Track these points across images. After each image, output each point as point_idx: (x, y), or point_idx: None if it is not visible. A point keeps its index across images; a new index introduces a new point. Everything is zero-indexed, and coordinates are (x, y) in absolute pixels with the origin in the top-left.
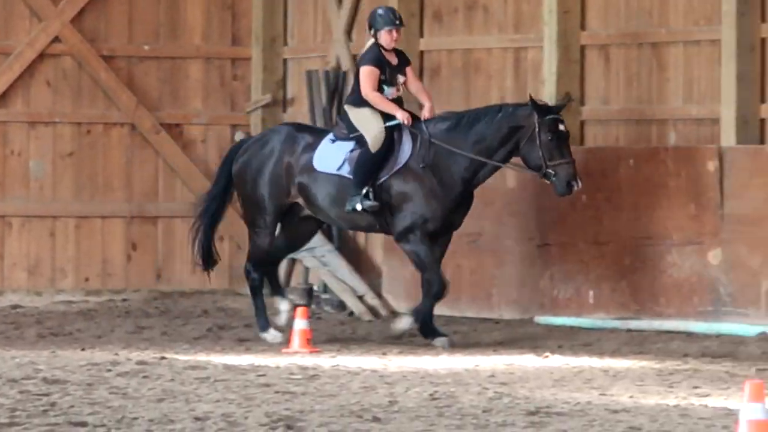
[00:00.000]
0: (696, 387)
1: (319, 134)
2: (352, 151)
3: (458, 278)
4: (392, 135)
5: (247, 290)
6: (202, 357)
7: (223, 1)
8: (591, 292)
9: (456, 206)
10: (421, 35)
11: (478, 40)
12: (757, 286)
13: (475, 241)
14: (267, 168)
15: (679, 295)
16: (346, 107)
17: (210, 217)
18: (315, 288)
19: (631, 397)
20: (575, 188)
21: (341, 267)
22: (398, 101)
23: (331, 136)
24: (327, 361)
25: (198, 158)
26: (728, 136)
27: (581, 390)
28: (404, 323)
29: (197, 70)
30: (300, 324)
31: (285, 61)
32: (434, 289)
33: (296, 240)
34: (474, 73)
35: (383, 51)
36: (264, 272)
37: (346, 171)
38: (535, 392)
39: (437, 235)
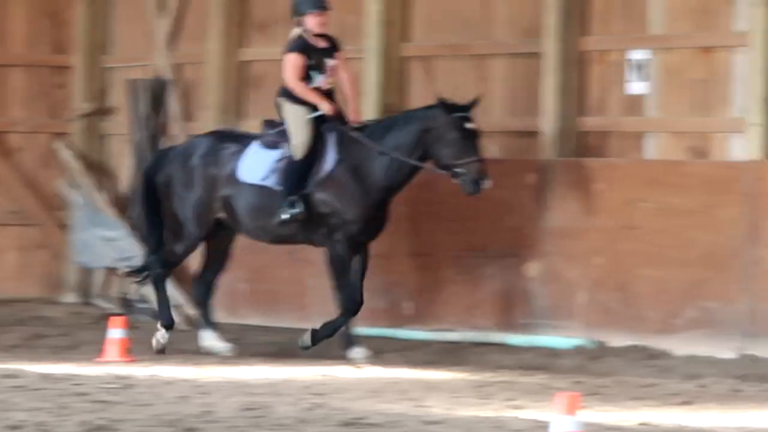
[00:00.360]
0: (511, 399)
1: (244, 141)
2: (279, 160)
3: (275, 289)
4: (319, 140)
5: (64, 298)
6: (17, 365)
7: (47, 9)
8: (409, 304)
9: (375, 213)
10: (245, 45)
11: None
12: (573, 299)
13: (292, 252)
14: (191, 185)
15: (496, 307)
16: (280, 100)
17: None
18: (132, 297)
19: (446, 408)
20: (483, 187)
21: None
22: (331, 91)
23: (257, 143)
24: (142, 370)
25: (18, 166)
26: (548, 149)
27: (396, 401)
28: (305, 340)
29: (19, 77)
30: (116, 333)
31: (107, 69)
32: (343, 305)
33: (224, 258)
34: None
35: (310, 37)
36: (168, 273)
37: (271, 182)
38: (351, 403)
39: (358, 244)
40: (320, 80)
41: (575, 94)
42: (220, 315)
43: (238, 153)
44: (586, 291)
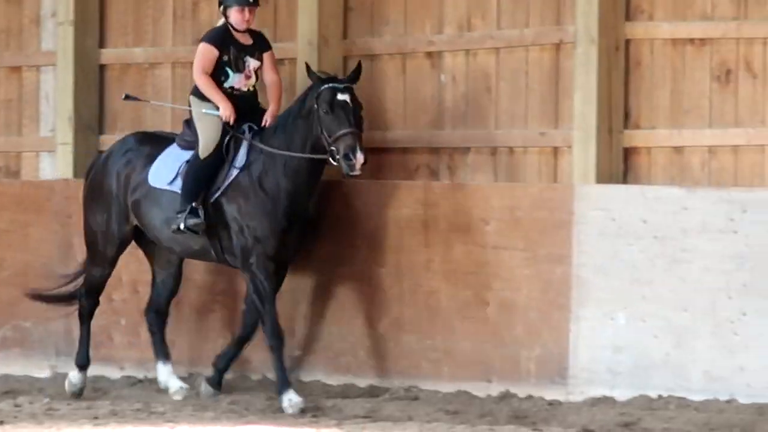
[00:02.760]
0: None
1: (163, 143)
2: (188, 161)
3: None
4: (227, 142)
5: None
6: None
7: None
8: None
9: (288, 226)
10: None
11: None
12: None
13: None
14: (104, 188)
15: None
16: (191, 98)
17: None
18: None
19: None
20: (354, 161)
21: None
22: (252, 94)
23: (174, 145)
24: None
25: None
26: None
27: None
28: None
29: None
30: None
31: None
32: (271, 341)
33: (170, 278)
34: None
35: (233, 31)
36: (94, 305)
37: (177, 186)
38: None
39: (277, 265)
40: (237, 80)
41: None
42: None
43: (156, 153)
44: None
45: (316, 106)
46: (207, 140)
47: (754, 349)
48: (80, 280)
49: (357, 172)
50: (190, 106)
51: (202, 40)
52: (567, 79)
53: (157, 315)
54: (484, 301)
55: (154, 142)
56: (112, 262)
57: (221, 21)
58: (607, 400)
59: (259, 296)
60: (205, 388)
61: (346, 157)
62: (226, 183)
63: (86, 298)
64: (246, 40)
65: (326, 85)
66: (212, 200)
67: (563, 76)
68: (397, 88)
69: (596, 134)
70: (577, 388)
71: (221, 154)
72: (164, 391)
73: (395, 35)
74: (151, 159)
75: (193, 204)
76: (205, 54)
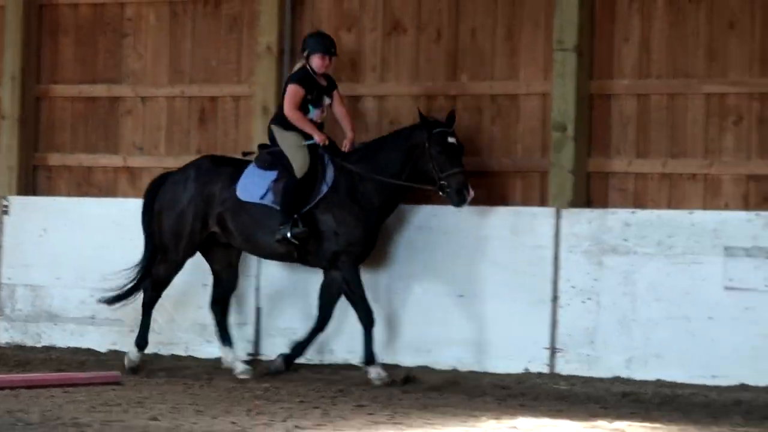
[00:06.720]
0: None
1: (239, 164)
2: (275, 180)
3: None
4: (316, 163)
5: None
6: None
7: None
8: None
9: (375, 232)
10: None
11: None
12: None
13: None
14: (185, 201)
15: None
16: (273, 127)
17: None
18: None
19: None
20: (467, 196)
21: None
22: (322, 125)
23: (253, 165)
24: None
25: None
26: None
27: None
28: (276, 364)
29: None
30: None
31: None
32: (365, 322)
33: (232, 275)
34: None
35: (313, 73)
36: (156, 297)
37: (269, 200)
38: None
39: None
40: (315, 114)
41: None
42: None
43: (236, 172)
44: None
45: (428, 145)
46: (301, 163)
47: None
48: (133, 276)
49: (466, 204)
50: (271, 133)
51: (290, 81)
52: None
53: (222, 307)
54: None
55: (229, 164)
56: (181, 265)
57: (300, 64)
58: None
59: (351, 295)
60: (279, 362)
61: (459, 192)
62: (318, 197)
63: (151, 291)
64: (322, 81)
65: (438, 129)
66: (303, 211)
67: None
68: None
69: None
70: None
71: (313, 174)
72: (230, 370)
73: None
74: (233, 177)
75: (295, 216)
76: (295, 93)
